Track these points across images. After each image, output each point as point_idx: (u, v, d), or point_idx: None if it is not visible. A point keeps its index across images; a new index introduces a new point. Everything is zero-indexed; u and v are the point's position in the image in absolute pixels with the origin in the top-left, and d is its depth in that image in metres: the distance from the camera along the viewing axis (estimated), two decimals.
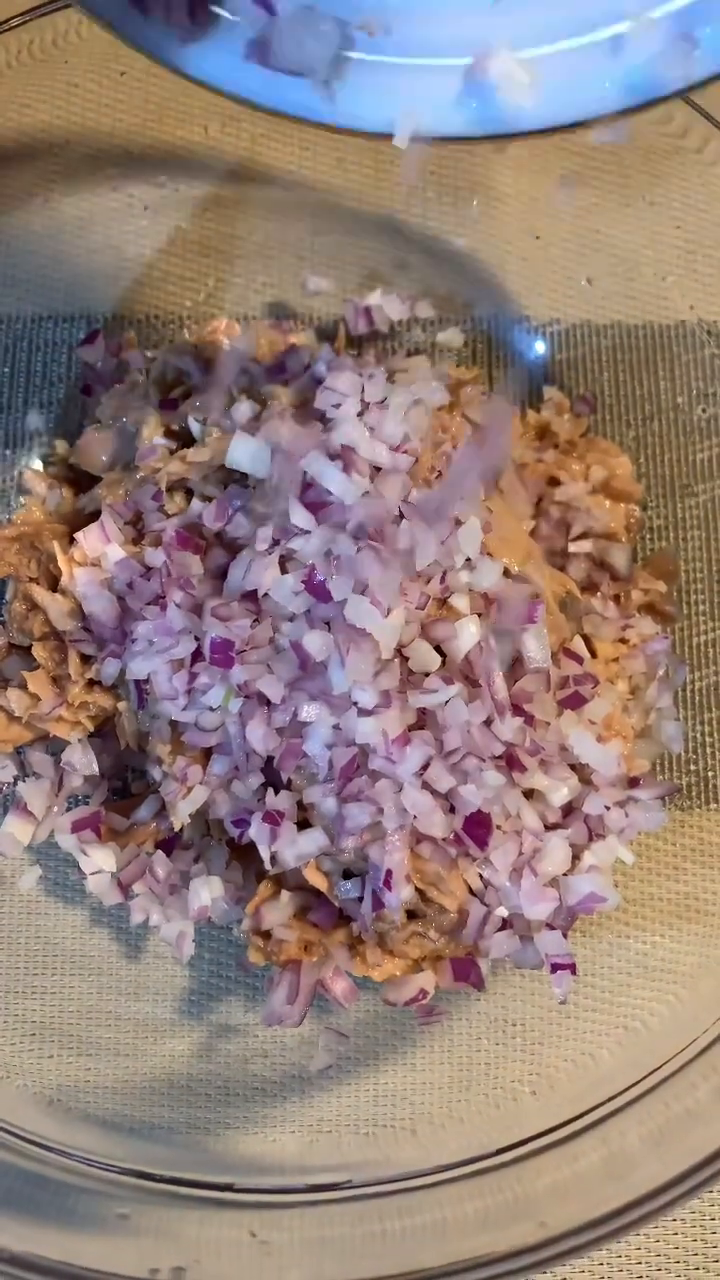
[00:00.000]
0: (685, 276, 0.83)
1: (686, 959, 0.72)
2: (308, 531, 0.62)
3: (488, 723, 0.62)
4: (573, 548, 0.74)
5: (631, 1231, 0.54)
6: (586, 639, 0.71)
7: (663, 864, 0.75)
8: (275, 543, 0.64)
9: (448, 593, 0.64)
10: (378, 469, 0.63)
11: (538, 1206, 0.57)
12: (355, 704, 0.61)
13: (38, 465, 0.80)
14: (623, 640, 0.73)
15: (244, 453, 0.64)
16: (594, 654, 0.71)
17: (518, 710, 0.64)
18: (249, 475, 0.66)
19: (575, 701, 0.67)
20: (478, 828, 0.63)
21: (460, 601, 0.64)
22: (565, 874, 0.66)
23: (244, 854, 0.70)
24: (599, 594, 0.73)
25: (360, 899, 0.66)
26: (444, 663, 0.63)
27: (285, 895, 0.67)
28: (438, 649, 0.63)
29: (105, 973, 0.73)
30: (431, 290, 0.86)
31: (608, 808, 0.67)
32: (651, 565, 0.77)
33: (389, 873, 0.62)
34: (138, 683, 0.67)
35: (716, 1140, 0.57)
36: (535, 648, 0.64)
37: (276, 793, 0.65)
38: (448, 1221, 0.58)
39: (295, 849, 0.64)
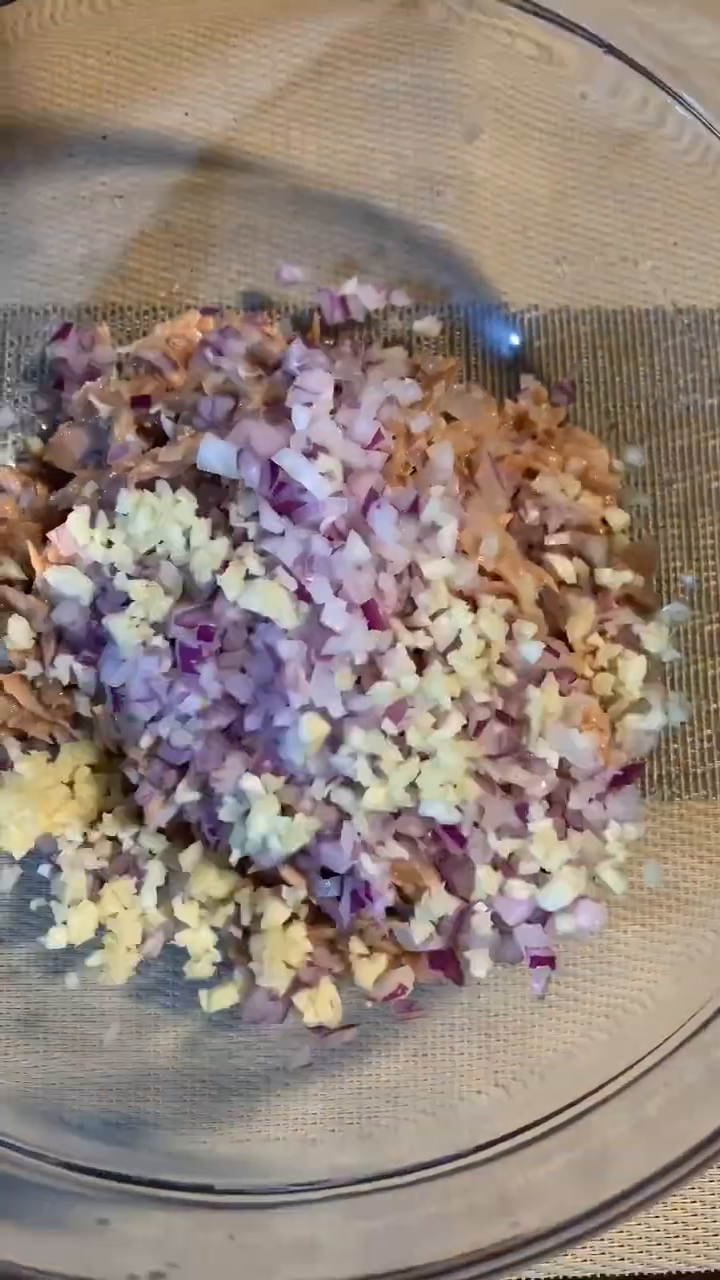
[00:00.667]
0: (664, 261, 0.82)
1: (669, 948, 0.72)
2: (280, 533, 0.62)
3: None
4: (550, 540, 0.73)
5: (619, 1224, 0.54)
6: (564, 632, 0.71)
7: (644, 853, 0.75)
8: (248, 542, 0.64)
9: (422, 591, 0.64)
10: (351, 467, 0.63)
11: (524, 1201, 0.57)
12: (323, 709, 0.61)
13: (10, 462, 0.79)
14: (601, 632, 0.73)
15: (214, 454, 0.64)
16: (571, 648, 0.71)
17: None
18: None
19: None
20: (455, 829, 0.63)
21: (436, 600, 0.64)
22: (544, 870, 0.66)
23: (221, 854, 0.70)
24: (577, 587, 0.73)
25: (339, 898, 0.66)
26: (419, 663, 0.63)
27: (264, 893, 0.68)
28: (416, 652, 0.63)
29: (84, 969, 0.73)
30: (408, 277, 0.85)
31: (590, 800, 0.67)
32: (629, 556, 0.77)
33: (368, 884, 0.63)
34: (113, 687, 0.67)
35: (703, 1129, 0.58)
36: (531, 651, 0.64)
37: None
38: (433, 1218, 0.58)
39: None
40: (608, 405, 0.82)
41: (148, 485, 0.67)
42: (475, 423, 0.73)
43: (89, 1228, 0.56)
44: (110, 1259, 0.52)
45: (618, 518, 0.77)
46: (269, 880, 0.67)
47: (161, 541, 0.66)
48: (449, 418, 0.72)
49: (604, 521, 0.76)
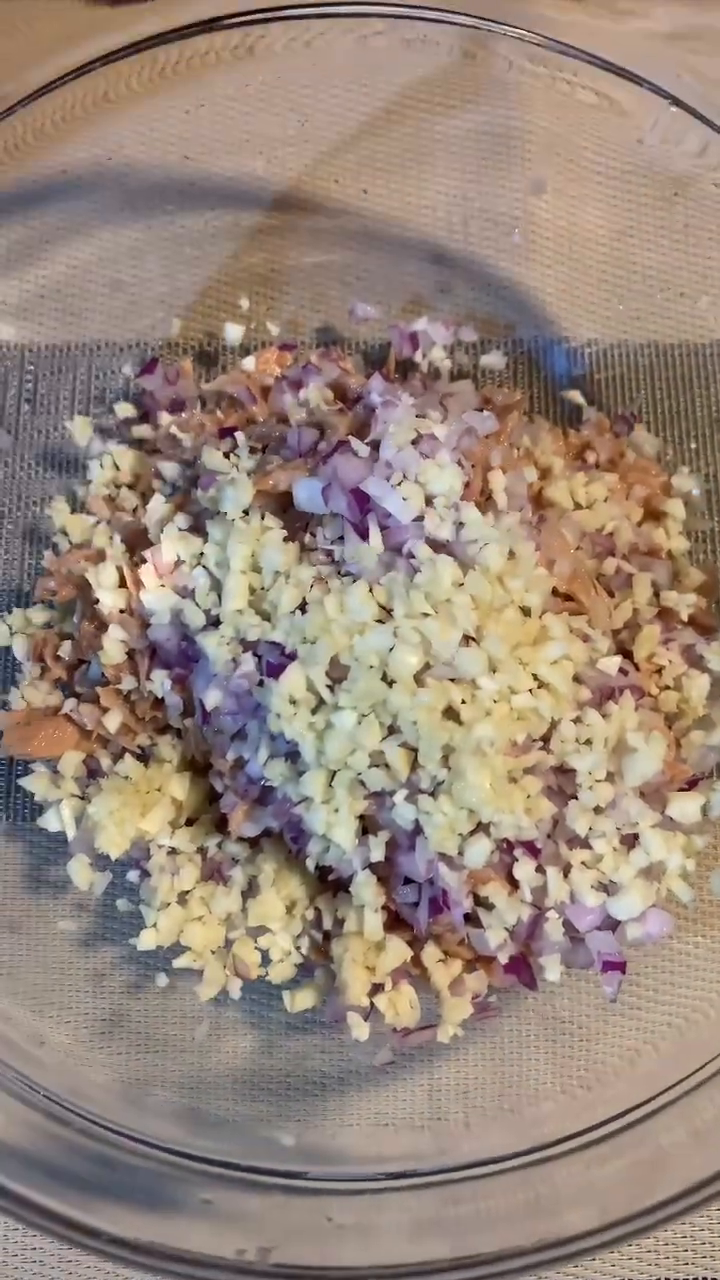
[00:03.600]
0: None
1: None
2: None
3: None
4: (616, 565, 0.76)
5: (675, 1222, 0.57)
6: (630, 652, 0.74)
7: (706, 865, 0.77)
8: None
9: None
10: (433, 495, 0.66)
11: (580, 1200, 0.60)
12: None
13: (101, 490, 0.83)
14: (666, 652, 0.75)
15: (307, 493, 0.68)
16: (637, 667, 0.74)
17: None
18: None
19: None
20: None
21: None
22: (613, 881, 0.68)
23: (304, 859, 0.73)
24: (642, 609, 0.76)
25: (416, 904, 0.69)
26: None
27: (344, 898, 0.71)
28: None
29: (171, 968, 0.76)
30: (474, 313, 0.89)
31: (662, 814, 0.70)
32: (692, 580, 0.79)
33: (445, 892, 0.65)
34: (202, 700, 0.70)
35: None
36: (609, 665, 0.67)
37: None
38: (497, 1210, 0.60)
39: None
40: (667, 435, 0.85)
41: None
42: (543, 452, 0.76)
43: (195, 1207, 0.59)
44: (218, 1236, 0.55)
45: (680, 543, 0.80)
46: (350, 885, 0.70)
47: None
48: (519, 447, 0.75)
49: (666, 546, 0.79)
